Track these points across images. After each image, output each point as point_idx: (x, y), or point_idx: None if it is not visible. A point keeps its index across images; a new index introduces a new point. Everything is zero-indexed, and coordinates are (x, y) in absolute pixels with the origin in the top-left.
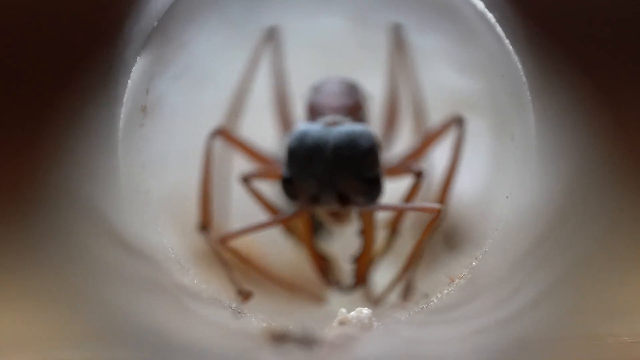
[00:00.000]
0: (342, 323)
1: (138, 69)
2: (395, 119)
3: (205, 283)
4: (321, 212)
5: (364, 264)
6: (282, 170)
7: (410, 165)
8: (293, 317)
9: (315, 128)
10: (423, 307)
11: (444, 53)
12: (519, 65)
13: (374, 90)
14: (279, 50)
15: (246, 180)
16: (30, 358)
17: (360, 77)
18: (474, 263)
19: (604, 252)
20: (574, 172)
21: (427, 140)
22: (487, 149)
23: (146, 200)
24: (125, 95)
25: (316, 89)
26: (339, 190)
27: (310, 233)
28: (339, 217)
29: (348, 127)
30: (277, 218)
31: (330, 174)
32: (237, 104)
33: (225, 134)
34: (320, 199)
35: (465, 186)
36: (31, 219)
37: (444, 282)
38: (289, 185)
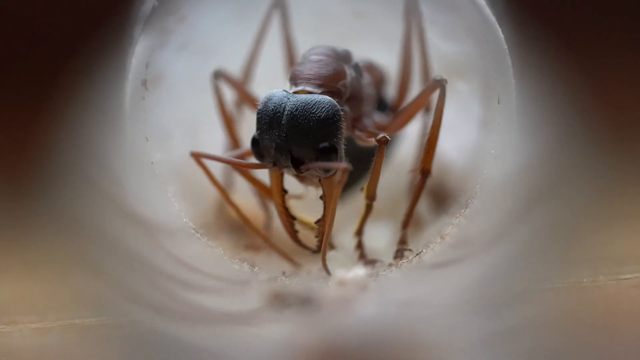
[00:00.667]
0: (339, 284)
1: (140, 44)
2: (406, 88)
3: (215, 245)
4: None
5: (325, 228)
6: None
7: (378, 134)
8: (293, 279)
9: (278, 94)
10: (416, 266)
11: (430, 21)
12: (500, 33)
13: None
14: (287, 17)
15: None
16: (46, 323)
17: (363, 46)
18: (462, 221)
19: (585, 208)
20: (555, 132)
21: (414, 104)
22: (473, 112)
23: (153, 171)
24: (130, 71)
25: (302, 58)
26: (292, 155)
27: (279, 193)
28: (303, 180)
29: (306, 96)
30: (247, 164)
31: (285, 139)
32: (247, 72)
33: (224, 76)
34: (278, 162)
35: (453, 148)
36: (42, 192)
37: (434, 241)
38: (256, 145)
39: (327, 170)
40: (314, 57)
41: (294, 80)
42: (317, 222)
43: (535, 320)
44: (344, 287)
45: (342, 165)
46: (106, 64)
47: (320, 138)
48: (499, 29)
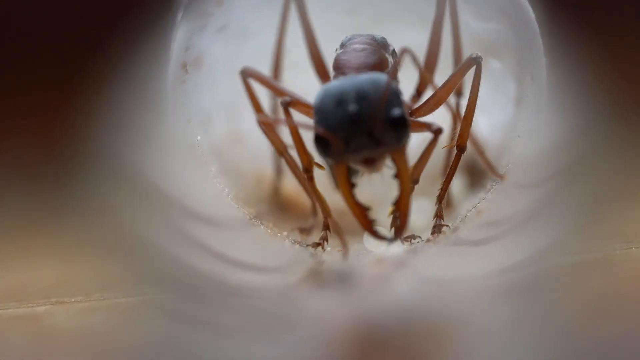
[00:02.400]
0: (378, 261)
1: (180, 28)
2: (433, 70)
3: (259, 220)
4: (356, 161)
5: (404, 206)
6: (313, 130)
7: (431, 123)
8: (333, 254)
9: (334, 83)
10: (453, 243)
11: (463, 1)
12: (531, 13)
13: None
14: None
15: (287, 104)
16: (92, 303)
17: (393, 29)
18: (495, 197)
19: (615, 184)
20: (584, 111)
21: (449, 84)
22: (506, 90)
23: (194, 152)
24: (171, 54)
25: (342, 47)
26: (368, 132)
27: (348, 185)
28: (373, 164)
29: (364, 75)
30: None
31: (357, 118)
32: (276, 61)
33: (250, 73)
34: (352, 145)
35: (486, 125)
36: (83, 175)
37: (470, 217)
38: (321, 142)
39: (400, 141)
40: (358, 46)
41: (340, 69)
42: (394, 203)
43: (567, 297)
44: (382, 264)
45: (433, 125)
46: (147, 47)
47: (389, 109)
48: (530, 9)
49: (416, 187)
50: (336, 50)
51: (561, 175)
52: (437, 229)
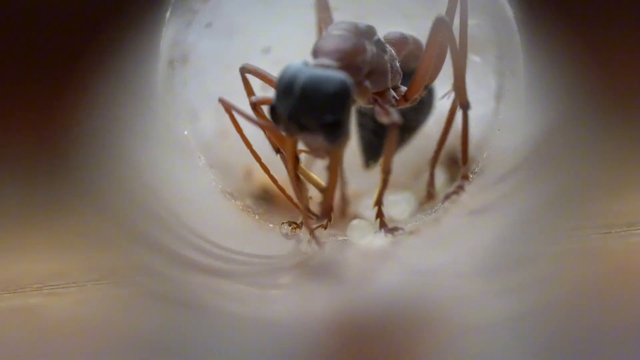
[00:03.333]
0: (362, 253)
1: (168, 23)
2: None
3: (251, 212)
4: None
5: (327, 197)
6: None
7: (391, 112)
8: (317, 247)
9: (296, 65)
10: (436, 233)
11: None
12: (508, 8)
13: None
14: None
15: (254, 104)
16: (85, 295)
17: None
18: (474, 188)
19: (589, 176)
20: (563, 104)
21: (426, 55)
22: (487, 84)
23: (183, 146)
24: (161, 51)
25: (325, 32)
26: (301, 125)
27: (292, 159)
28: (313, 152)
29: (319, 70)
30: (266, 124)
31: (295, 109)
32: None
33: (250, 70)
34: (288, 129)
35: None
36: (75, 167)
37: (452, 208)
38: (273, 111)
39: (332, 142)
40: (336, 32)
41: (315, 53)
42: (320, 190)
43: (549, 285)
44: (367, 256)
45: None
46: (136, 43)
47: (325, 112)
48: (508, 6)
49: (400, 180)
50: None
51: (540, 167)
52: (460, 189)
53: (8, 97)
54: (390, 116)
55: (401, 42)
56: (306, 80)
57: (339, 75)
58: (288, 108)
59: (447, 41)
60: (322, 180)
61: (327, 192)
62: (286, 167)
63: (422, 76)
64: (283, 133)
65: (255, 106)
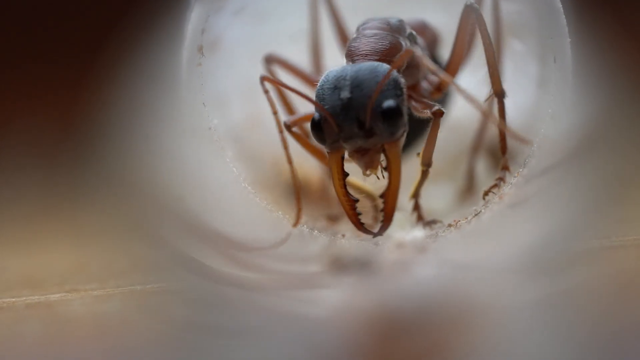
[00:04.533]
0: (398, 246)
1: (196, 10)
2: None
3: (274, 209)
4: (348, 150)
5: (391, 199)
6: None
7: (433, 104)
8: (352, 241)
9: (337, 68)
10: (475, 227)
11: None
12: None
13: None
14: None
15: (288, 126)
16: (107, 290)
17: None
18: (520, 180)
19: (635, 167)
20: (608, 94)
21: (458, 43)
22: (530, 72)
23: (210, 137)
24: (186, 37)
25: (356, 32)
26: (358, 120)
27: (341, 175)
28: (366, 156)
29: (365, 63)
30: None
31: (349, 105)
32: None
33: (276, 59)
34: (343, 132)
35: (510, 107)
36: (98, 161)
37: (492, 200)
38: (317, 127)
39: (393, 133)
40: (369, 32)
41: (350, 56)
42: (381, 195)
43: (591, 281)
44: (403, 249)
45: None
46: (161, 29)
47: (384, 97)
48: None
49: (439, 168)
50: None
51: (586, 158)
52: (501, 181)
53: (31, 83)
54: (432, 107)
55: (422, 29)
56: (357, 72)
57: (386, 65)
58: (341, 107)
59: (476, 28)
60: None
61: (389, 196)
62: (333, 183)
63: (455, 64)
64: (328, 149)
65: (289, 128)
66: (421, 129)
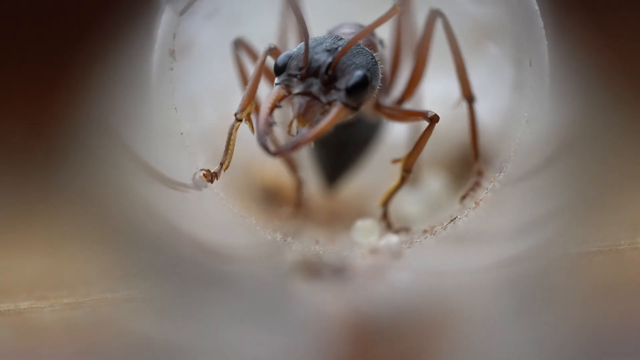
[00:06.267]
0: (372, 252)
1: (167, 13)
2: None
3: (246, 215)
4: (297, 91)
5: (301, 140)
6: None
7: (427, 111)
8: (326, 247)
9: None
10: (450, 233)
11: None
12: None
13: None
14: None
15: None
16: (77, 298)
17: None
18: (495, 185)
19: (619, 168)
20: (585, 98)
21: (422, 48)
22: (505, 75)
23: (182, 141)
24: (157, 41)
25: (331, 33)
26: (329, 65)
27: (274, 101)
28: (308, 106)
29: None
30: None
31: (328, 49)
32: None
33: (244, 44)
34: (309, 68)
35: (486, 112)
36: (68, 166)
37: (468, 206)
38: (286, 57)
39: (349, 96)
40: (347, 31)
41: None
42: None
43: (569, 287)
44: (377, 255)
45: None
46: (131, 33)
47: (359, 66)
48: None
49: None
50: None
51: (563, 162)
52: (476, 185)
53: (4, 84)
54: (426, 113)
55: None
56: (343, 40)
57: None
58: (318, 47)
59: (447, 31)
60: None
61: (308, 132)
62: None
63: (419, 70)
64: (278, 81)
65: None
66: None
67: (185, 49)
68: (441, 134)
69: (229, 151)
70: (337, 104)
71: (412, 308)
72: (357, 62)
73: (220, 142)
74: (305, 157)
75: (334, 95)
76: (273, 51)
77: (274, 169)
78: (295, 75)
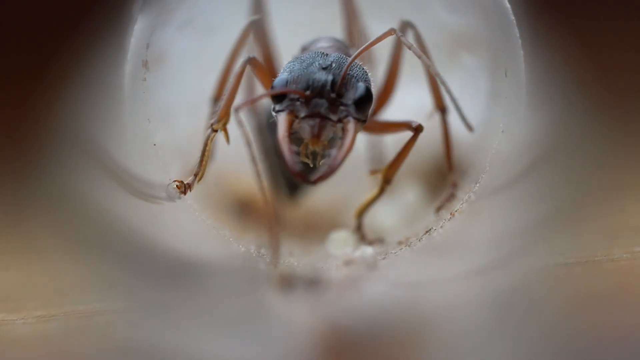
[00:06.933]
0: (347, 263)
1: (140, 24)
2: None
3: (217, 226)
4: (305, 114)
5: (340, 155)
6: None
7: (410, 121)
8: (300, 259)
9: (313, 53)
10: (425, 243)
11: None
12: (506, 3)
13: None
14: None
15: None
16: (50, 310)
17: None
18: (471, 197)
19: (590, 183)
20: (561, 109)
21: (393, 59)
22: (481, 86)
23: (155, 152)
24: (129, 51)
25: (304, 50)
26: (333, 82)
27: (288, 132)
28: (321, 130)
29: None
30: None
31: (325, 71)
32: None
33: (255, 63)
34: (312, 96)
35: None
36: (41, 176)
37: (444, 217)
38: (282, 83)
39: (358, 111)
40: (325, 44)
41: None
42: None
43: (546, 298)
44: (351, 266)
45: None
46: (104, 43)
47: (359, 79)
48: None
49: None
50: (293, 56)
51: (539, 173)
52: (451, 197)
53: None
54: (410, 124)
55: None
56: (339, 56)
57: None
58: (317, 71)
59: (418, 44)
60: None
61: (339, 153)
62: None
63: (391, 83)
64: (282, 107)
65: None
66: None
67: (159, 59)
68: (416, 145)
69: (204, 162)
70: (350, 120)
71: (387, 319)
72: (356, 75)
73: (193, 153)
74: (264, 168)
75: (343, 111)
76: (252, 61)
77: (248, 181)
78: (297, 99)
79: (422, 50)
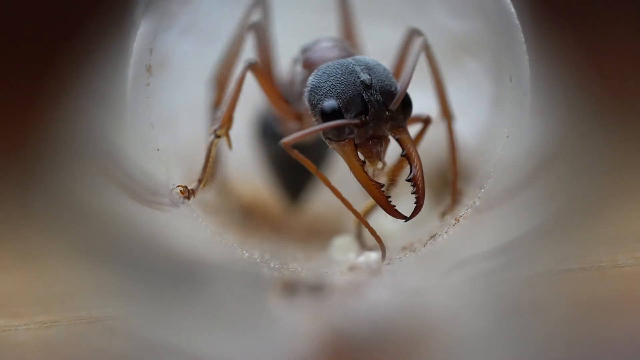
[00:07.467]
0: (351, 269)
1: (143, 29)
2: None
3: (220, 231)
4: (363, 138)
5: (420, 180)
6: (319, 108)
7: (419, 114)
8: (304, 264)
9: (335, 62)
10: (430, 249)
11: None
12: (511, 8)
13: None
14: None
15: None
16: (51, 316)
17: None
18: (476, 202)
19: (601, 186)
20: (566, 113)
21: (399, 66)
22: (484, 91)
23: (159, 157)
24: (132, 56)
25: (308, 49)
26: (385, 101)
27: (360, 163)
28: (380, 146)
29: (364, 57)
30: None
31: (372, 86)
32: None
33: (257, 69)
34: (370, 113)
35: (465, 127)
36: (43, 181)
37: (449, 223)
38: (335, 114)
39: (406, 119)
40: (328, 44)
41: (314, 64)
42: (408, 179)
43: (550, 304)
44: (355, 272)
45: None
46: (107, 48)
47: (395, 85)
48: (510, 4)
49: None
50: (293, 59)
51: (544, 179)
52: (456, 204)
53: None
54: (420, 116)
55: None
56: (367, 64)
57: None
58: (365, 89)
59: (426, 51)
60: None
61: (418, 178)
62: (353, 171)
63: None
64: (342, 137)
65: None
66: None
67: (162, 64)
68: (420, 150)
69: (208, 168)
70: (404, 131)
71: (391, 325)
72: (393, 84)
73: (197, 157)
74: (267, 175)
75: (396, 124)
76: (252, 66)
77: (251, 186)
78: (354, 125)
79: (430, 58)
